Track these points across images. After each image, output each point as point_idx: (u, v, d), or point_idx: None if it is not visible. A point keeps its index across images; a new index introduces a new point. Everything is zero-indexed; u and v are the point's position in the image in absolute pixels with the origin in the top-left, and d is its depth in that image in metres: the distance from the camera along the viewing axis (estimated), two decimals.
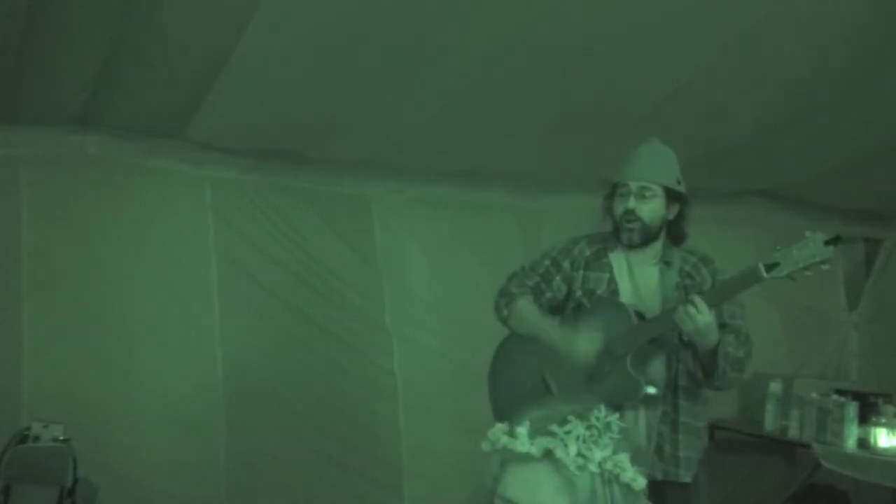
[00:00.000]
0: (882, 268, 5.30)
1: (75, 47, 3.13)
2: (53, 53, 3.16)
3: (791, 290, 5.03)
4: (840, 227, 5.22)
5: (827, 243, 2.51)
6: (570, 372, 2.77)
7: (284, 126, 3.84)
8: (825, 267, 2.52)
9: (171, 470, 3.91)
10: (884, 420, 3.85)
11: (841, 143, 4.00)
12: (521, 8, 2.91)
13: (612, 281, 2.87)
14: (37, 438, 3.36)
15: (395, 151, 4.17)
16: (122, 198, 4.03)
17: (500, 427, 1.31)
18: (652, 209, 2.81)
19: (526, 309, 2.92)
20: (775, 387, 4.37)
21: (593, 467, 1.23)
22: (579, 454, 1.24)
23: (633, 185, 2.81)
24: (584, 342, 2.77)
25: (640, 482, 1.26)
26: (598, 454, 1.24)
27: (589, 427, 1.26)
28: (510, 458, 1.28)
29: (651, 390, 2.70)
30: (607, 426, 1.27)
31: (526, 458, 1.27)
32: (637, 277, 2.87)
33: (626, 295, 2.86)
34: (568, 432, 1.25)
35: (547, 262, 2.98)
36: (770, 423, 4.35)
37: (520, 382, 2.91)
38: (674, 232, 2.90)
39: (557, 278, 2.95)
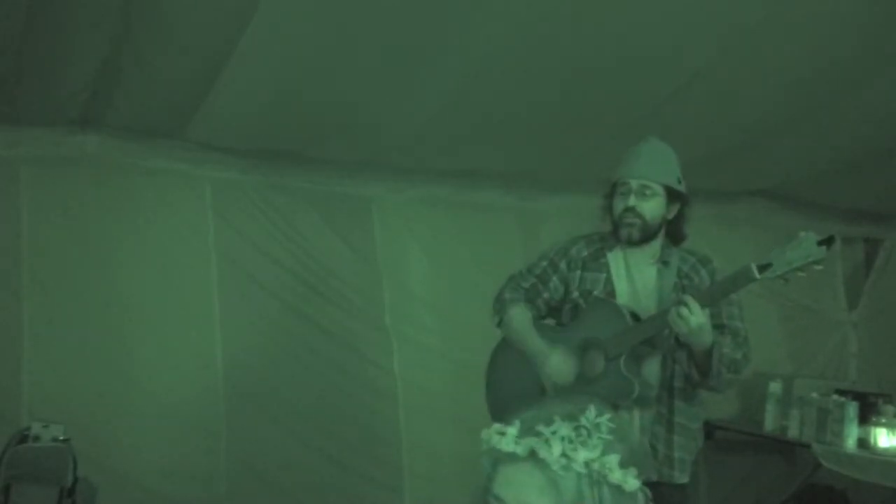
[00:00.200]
0: (882, 268, 5.31)
1: (75, 47, 3.13)
2: (53, 53, 3.16)
3: (791, 289, 5.04)
4: (840, 227, 5.25)
5: (820, 243, 2.48)
6: (571, 355, 2.79)
7: (284, 126, 3.84)
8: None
9: (171, 470, 3.91)
10: (884, 420, 3.85)
11: (841, 143, 4.00)
12: (521, 8, 2.91)
13: (608, 281, 2.85)
14: (37, 438, 3.36)
15: (395, 151, 4.17)
16: (122, 198, 4.04)
17: (496, 427, 1.32)
18: (652, 207, 2.79)
19: (516, 319, 2.91)
20: (775, 387, 4.38)
21: (578, 468, 1.23)
22: (563, 454, 1.24)
23: (634, 184, 2.79)
24: (557, 364, 2.79)
25: (632, 484, 1.25)
26: (582, 455, 1.23)
27: (577, 428, 1.26)
28: (500, 457, 1.29)
29: (644, 392, 2.69)
30: (597, 427, 1.26)
31: (513, 457, 1.27)
32: (635, 277, 2.86)
33: (622, 295, 2.84)
34: (553, 432, 1.25)
35: (544, 263, 2.97)
36: (770, 423, 4.35)
37: (516, 383, 2.91)
38: (673, 232, 2.88)
39: (554, 279, 2.94)
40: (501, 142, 3.99)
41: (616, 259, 2.88)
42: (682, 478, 2.80)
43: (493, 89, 3.45)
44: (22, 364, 3.78)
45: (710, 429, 4.68)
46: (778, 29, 3.01)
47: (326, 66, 3.26)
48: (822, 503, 4.46)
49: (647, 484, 1.30)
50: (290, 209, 4.31)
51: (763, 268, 2.49)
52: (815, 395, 4.11)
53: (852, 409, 3.85)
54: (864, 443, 3.83)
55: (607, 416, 1.28)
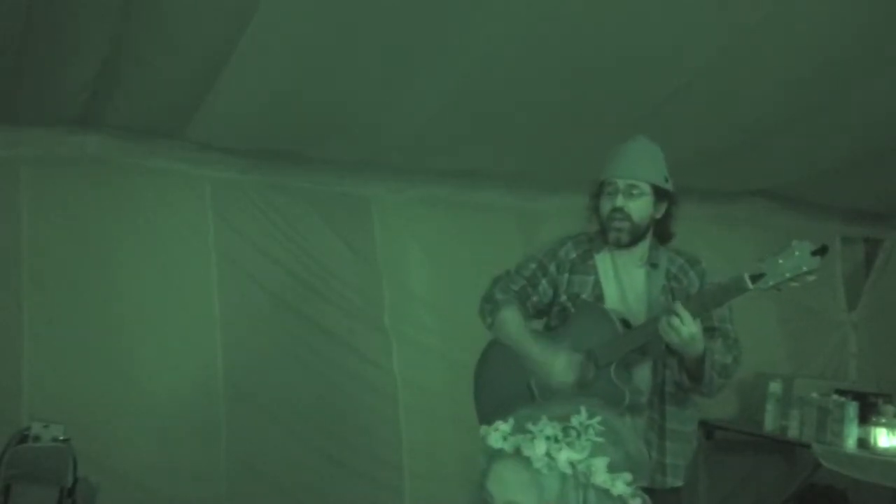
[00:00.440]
0: (882, 268, 5.31)
1: (75, 47, 3.13)
2: (53, 53, 3.16)
3: (790, 290, 5.05)
4: (840, 227, 5.26)
5: (814, 253, 2.42)
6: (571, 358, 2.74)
7: (284, 126, 3.84)
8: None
9: (171, 470, 3.91)
10: (884, 420, 3.85)
11: (841, 143, 4.00)
12: (521, 8, 2.91)
13: (596, 284, 2.80)
14: (37, 438, 3.36)
15: (395, 151, 4.17)
16: (122, 198, 4.04)
17: (496, 424, 1.32)
18: (640, 207, 2.74)
19: (508, 321, 2.84)
20: (775, 387, 4.38)
21: (562, 468, 1.23)
22: (547, 454, 1.24)
23: (621, 183, 2.74)
24: (561, 368, 2.71)
25: (619, 487, 1.25)
26: (565, 455, 1.24)
27: (566, 428, 1.26)
28: (492, 453, 1.30)
29: (635, 399, 2.65)
30: (586, 429, 1.27)
31: (501, 454, 1.29)
32: (623, 280, 2.81)
33: (611, 299, 2.79)
34: (539, 431, 1.25)
35: (533, 266, 2.91)
36: (770, 423, 4.35)
37: (504, 387, 2.85)
38: (660, 231, 2.83)
39: (543, 282, 2.88)
40: (501, 142, 3.99)
41: (604, 261, 2.83)
42: (675, 482, 2.75)
43: (494, 89, 3.45)
44: (22, 364, 3.78)
45: (710, 429, 4.69)
46: (778, 29, 3.01)
47: (326, 66, 3.26)
48: (821, 503, 4.46)
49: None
50: (289, 209, 4.31)
51: (756, 278, 2.45)
52: (815, 395, 4.11)
53: (852, 409, 3.86)
54: (864, 443, 3.83)
55: (598, 418, 1.28)
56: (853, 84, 3.44)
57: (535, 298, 2.89)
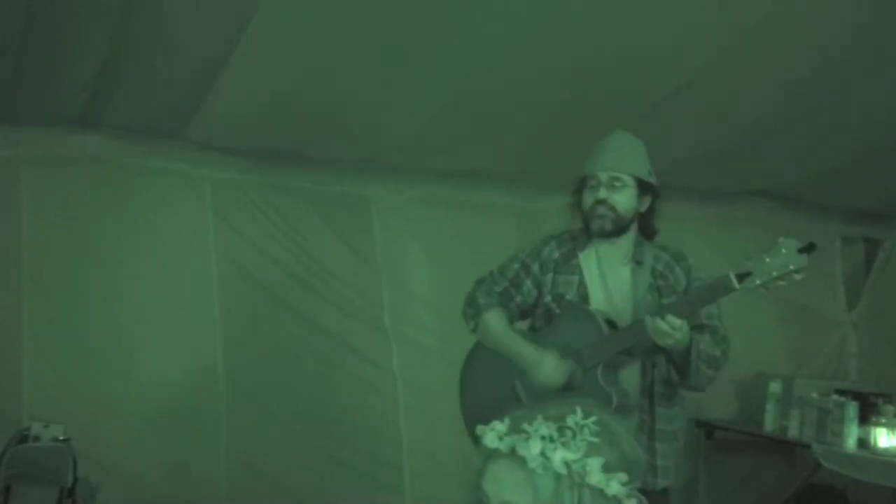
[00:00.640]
0: (882, 268, 5.31)
1: (75, 47, 3.13)
2: (53, 53, 3.16)
3: (790, 290, 5.03)
4: (840, 227, 5.27)
5: (801, 251, 2.38)
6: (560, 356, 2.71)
7: (284, 126, 3.84)
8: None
9: (171, 470, 3.91)
10: (884, 420, 3.85)
11: (841, 143, 4.00)
12: (521, 8, 2.91)
13: (581, 285, 2.77)
14: (37, 438, 3.36)
15: (395, 151, 4.17)
16: (122, 198, 4.04)
17: (492, 424, 1.32)
18: (624, 199, 2.71)
19: (492, 324, 2.81)
20: (775, 387, 4.38)
21: (557, 468, 1.23)
22: (542, 453, 1.24)
23: (604, 176, 2.71)
24: (550, 368, 2.68)
25: (614, 487, 1.25)
26: (560, 455, 1.23)
27: (561, 428, 1.26)
28: (488, 454, 1.31)
29: (622, 402, 2.61)
30: (581, 429, 1.26)
31: (497, 453, 1.29)
32: (608, 279, 2.78)
33: (596, 299, 2.75)
34: (535, 431, 1.25)
35: (516, 266, 2.87)
36: (770, 423, 4.35)
37: (490, 391, 2.81)
38: (644, 226, 2.80)
39: (527, 282, 2.84)
40: (501, 142, 3.99)
41: (588, 260, 2.79)
42: (664, 483, 2.73)
43: (494, 89, 3.45)
44: (22, 364, 3.78)
45: (710, 429, 4.70)
46: (778, 29, 3.01)
47: (326, 66, 3.26)
48: (821, 503, 4.46)
49: None
50: (289, 209, 4.31)
51: (742, 277, 2.42)
52: (815, 395, 4.12)
53: (852, 409, 3.86)
54: (864, 443, 3.83)
55: (594, 418, 1.28)
56: (853, 84, 3.44)
57: (518, 299, 2.85)
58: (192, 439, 3.99)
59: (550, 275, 2.81)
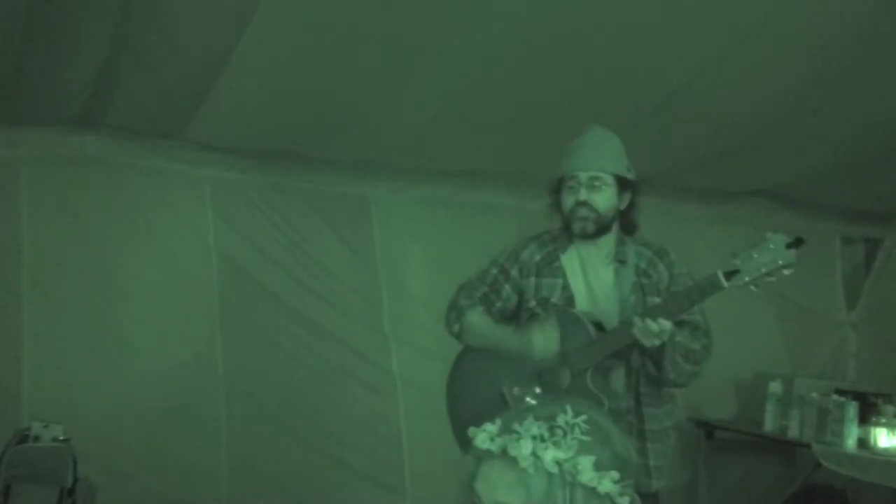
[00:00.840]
0: (881, 268, 5.31)
1: (75, 47, 3.13)
2: (53, 53, 3.16)
3: (790, 290, 5.06)
4: (840, 227, 5.27)
5: (789, 246, 2.35)
6: (529, 386, 2.65)
7: (284, 126, 3.84)
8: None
9: (171, 470, 3.91)
10: (884, 420, 3.85)
11: (841, 143, 4.00)
12: (521, 8, 2.91)
13: (566, 287, 2.71)
14: (37, 438, 3.36)
15: (395, 151, 4.17)
16: (122, 198, 4.04)
17: (484, 425, 1.32)
18: (605, 199, 2.64)
19: (477, 322, 2.76)
20: (775, 387, 4.38)
21: (548, 467, 1.23)
22: (533, 453, 1.24)
23: (583, 177, 2.64)
24: (540, 341, 2.61)
25: (606, 485, 1.24)
26: (551, 454, 1.23)
27: (552, 428, 1.26)
28: (479, 455, 1.31)
29: (613, 405, 2.56)
30: (572, 428, 1.26)
31: (489, 454, 1.29)
32: (591, 280, 2.72)
33: (581, 300, 2.70)
34: (526, 430, 1.25)
35: (494, 271, 2.81)
36: (770, 423, 4.35)
37: (477, 398, 2.74)
38: (625, 222, 2.74)
39: (506, 287, 2.78)
40: (501, 142, 3.99)
41: (571, 261, 2.74)
42: (658, 485, 2.68)
43: (494, 89, 3.45)
44: (22, 364, 3.78)
45: (710, 429, 4.70)
46: (778, 29, 3.01)
47: (326, 66, 3.26)
48: (821, 503, 4.46)
49: None
50: (289, 209, 4.31)
51: (730, 275, 2.38)
52: (815, 395, 4.11)
53: (852, 409, 3.85)
54: (864, 443, 3.83)
55: (584, 417, 1.28)
56: (853, 84, 3.44)
57: (498, 305, 2.80)
58: (192, 439, 3.99)
59: (532, 279, 2.75)
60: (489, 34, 3.03)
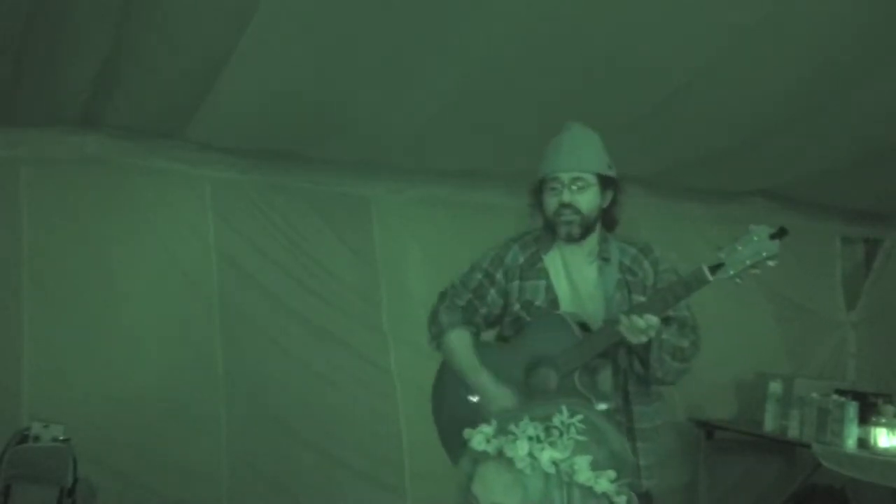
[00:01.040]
0: (881, 268, 5.32)
1: (75, 47, 3.13)
2: (53, 53, 3.16)
3: (790, 290, 5.07)
4: (840, 227, 5.27)
5: (773, 237, 2.33)
6: (518, 392, 2.62)
7: (284, 126, 3.84)
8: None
9: (171, 470, 3.91)
10: (884, 420, 3.85)
11: (841, 143, 4.00)
12: (521, 8, 2.91)
13: (549, 289, 2.67)
14: (37, 438, 3.36)
15: (395, 151, 4.17)
16: (122, 198, 4.04)
17: (480, 427, 1.32)
18: (589, 200, 2.61)
19: (454, 347, 2.73)
20: (775, 387, 4.38)
21: (545, 467, 1.23)
22: (529, 454, 1.24)
23: (565, 177, 2.60)
24: (496, 403, 2.58)
25: (603, 485, 1.24)
26: (547, 454, 1.23)
27: (548, 428, 1.26)
28: (475, 457, 1.31)
29: (602, 406, 2.52)
30: (568, 428, 1.26)
31: (485, 456, 1.29)
32: (575, 280, 2.68)
33: (565, 301, 2.66)
34: (522, 431, 1.25)
35: (479, 276, 2.77)
36: (770, 423, 4.35)
37: (462, 405, 2.71)
38: (606, 218, 2.70)
39: (492, 292, 2.74)
40: (501, 142, 3.99)
41: (553, 261, 2.70)
42: (648, 484, 2.65)
43: (494, 89, 3.45)
44: (22, 364, 3.78)
45: (710, 429, 4.70)
46: (778, 29, 3.01)
47: (326, 66, 3.26)
48: (821, 503, 4.46)
49: None
50: (289, 209, 4.31)
51: (715, 269, 2.37)
52: (815, 395, 4.12)
53: (852, 409, 3.86)
54: (864, 443, 3.83)
55: (580, 416, 1.28)
56: (853, 84, 3.44)
57: (483, 311, 2.76)
58: (193, 439, 3.99)
59: (516, 282, 2.72)
60: (489, 34, 3.03)
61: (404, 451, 4.29)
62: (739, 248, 2.36)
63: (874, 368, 5.11)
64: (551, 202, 2.63)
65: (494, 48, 3.14)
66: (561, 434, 1.26)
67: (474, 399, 2.70)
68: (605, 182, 2.64)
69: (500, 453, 1.27)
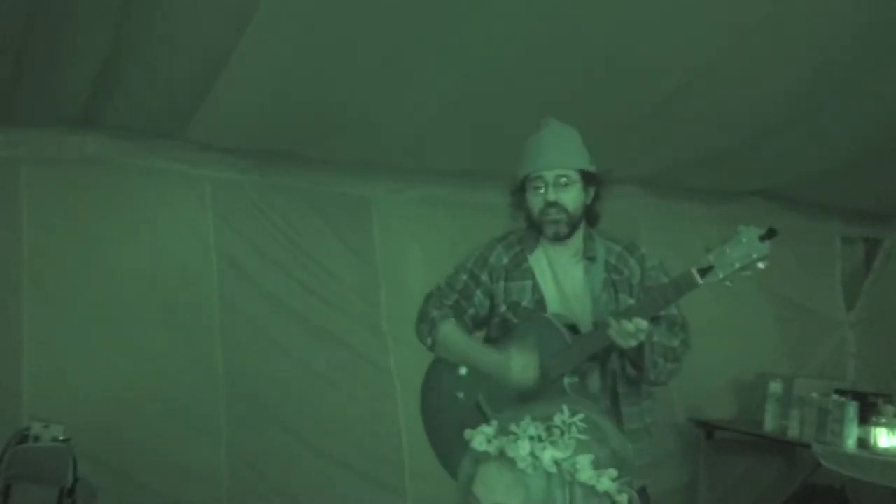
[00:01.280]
0: (881, 268, 5.32)
1: (75, 47, 3.13)
2: (53, 53, 3.16)
3: (789, 290, 5.07)
4: (840, 227, 5.27)
5: (762, 238, 2.29)
6: (506, 395, 2.54)
7: (284, 126, 3.84)
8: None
9: (171, 470, 3.91)
10: (884, 420, 3.85)
11: (841, 143, 4.01)
12: (521, 8, 2.91)
13: (536, 289, 2.64)
14: (37, 438, 3.36)
15: (395, 151, 4.17)
16: (122, 198, 4.04)
17: (480, 427, 1.32)
18: (574, 197, 2.57)
19: (450, 336, 2.67)
20: (775, 387, 4.38)
21: (547, 467, 1.23)
22: (531, 453, 1.24)
23: (549, 176, 2.56)
24: (519, 365, 2.52)
25: (605, 483, 1.25)
26: (549, 454, 1.24)
27: (549, 427, 1.26)
28: (478, 457, 1.31)
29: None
30: (569, 427, 1.26)
31: (486, 456, 1.29)
32: (561, 280, 2.65)
33: (552, 301, 2.63)
34: (524, 431, 1.26)
35: (464, 277, 2.74)
36: (770, 423, 4.35)
37: (453, 410, 2.67)
38: (589, 214, 2.66)
39: (478, 293, 2.71)
40: (501, 142, 3.98)
41: (539, 261, 2.67)
42: (642, 484, 2.62)
43: (494, 89, 3.45)
44: (22, 364, 3.78)
45: (710, 429, 4.70)
46: (778, 29, 3.01)
47: (326, 66, 3.26)
48: (821, 503, 4.46)
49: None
50: (289, 209, 4.31)
51: (705, 272, 2.33)
52: (815, 395, 4.12)
53: (852, 409, 3.86)
54: (864, 443, 3.83)
55: (581, 416, 1.28)
56: (853, 84, 3.44)
57: (471, 311, 2.73)
58: (193, 439, 3.99)
59: (502, 283, 2.68)
60: (489, 34, 3.03)
61: (404, 451, 4.29)
62: (728, 250, 2.32)
63: (874, 368, 5.11)
64: (536, 201, 2.59)
65: (494, 48, 3.14)
66: (562, 433, 1.26)
67: (473, 392, 2.65)
68: (588, 178, 2.61)
69: (501, 453, 1.27)
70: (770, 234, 2.30)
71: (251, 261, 4.22)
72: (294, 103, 3.57)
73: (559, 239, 2.61)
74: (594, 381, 2.60)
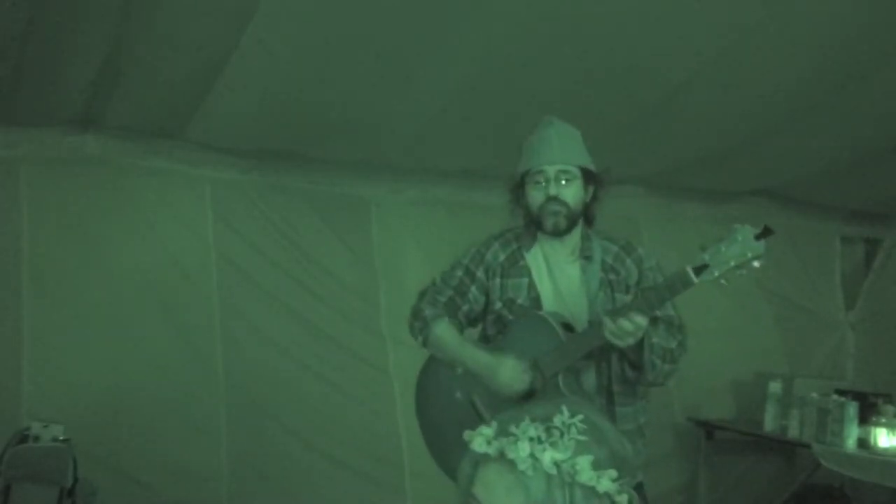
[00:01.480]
0: (881, 268, 5.32)
1: (75, 47, 3.13)
2: (53, 53, 3.16)
3: (789, 290, 5.07)
4: (840, 227, 5.27)
5: (758, 237, 2.28)
6: (502, 395, 2.55)
7: (284, 126, 3.84)
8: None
9: (171, 470, 3.91)
10: (884, 420, 3.85)
11: (841, 143, 4.01)
12: (521, 8, 2.91)
13: (531, 287, 2.64)
14: (37, 438, 3.36)
15: (395, 151, 4.17)
16: (122, 198, 4.04)
17: (480, 429, 1.32)
18: (574, 193, 2.58)
19: (443, 336, 2.67)
20: (775, 387, 4.38)
21: (547, 468, 1.23)
22: (531, 455, 1.24)
23: (551, 171, 2.56)
24: (508, 377, 2.53)
25: (605, 484, 1.24)
26: (549, 455, 1.24)
27: (549, 428, 1.26)
28: (476, 459, 1.30)
29: None
30: (569, 428, 1.26)
31: (486, 458, 1.29)
32: (558, 278, 2.64)
33: (548, 300, 2.62)
34: (523, 432, 1.25)
35: (460, 273, 2.73)
36: (770, 423, 4.35)
37: (448, 410, 2.66)
38: (586, 214, 2.66)
39: (473, 289, 2.71)
40: (501, 142, 3.98)
41: (535, 259, 2.66)
42: (636, 480, 2.65)
43: (494, 89, 3.45)
44: (22, 364, 3.77)
45: (710, 429, 4.70)
46: (778, 29, 3.01)
47: (326, 66, 3.26)
48: (821, 503, 4.46)
49: None
50: (289, 209, 4.31)
51: (699, 270, 2.31)
52: (814, 395, 4.12)
53: (852, 409, 3.86)
54: (864, 443, 3.83)
55: (580, 416, 1.28)
56: (853, 84, 3.44)
57: (465, 308, 2.72)
58: (193, 439, 3.99)
59: (498, 279, 2.68)
60: (489, 34, 3.03)
61: (404, 451, 4.29)
62: (724, 248, 2.31)
63: (873, 368, 5.11)
64: (537, 195, 2.59)
65: (494, 48, 3.14)
66: (562, 434, 1.26)
67: (468, 393, 2.64)
68: (588, 176, 2.62)
69: (501, 455, 1.26)
70: (765, 232, 2.29)
71: (251, 261, 4.22)
72: (294, 103, 3.57)
73: (558, 233, 2.60)
74: (590, 380, 2.59)
